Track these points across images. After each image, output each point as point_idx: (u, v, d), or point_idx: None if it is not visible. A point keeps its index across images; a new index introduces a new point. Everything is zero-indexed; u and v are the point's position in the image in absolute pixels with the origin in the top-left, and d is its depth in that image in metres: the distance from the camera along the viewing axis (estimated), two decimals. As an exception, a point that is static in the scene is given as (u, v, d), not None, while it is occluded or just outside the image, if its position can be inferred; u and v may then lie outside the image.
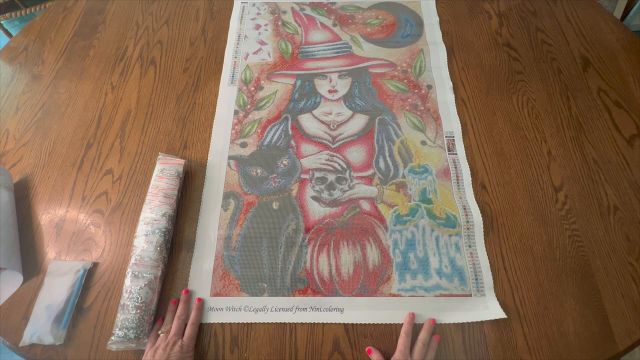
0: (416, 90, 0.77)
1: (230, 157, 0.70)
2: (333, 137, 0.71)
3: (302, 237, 0.62)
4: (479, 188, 0.66)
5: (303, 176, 0.67)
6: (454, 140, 0.71)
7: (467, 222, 0.62)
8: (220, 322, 0.56)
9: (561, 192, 0.65)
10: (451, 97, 0.76)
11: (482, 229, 0.62)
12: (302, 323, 0.56)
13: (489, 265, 0.59)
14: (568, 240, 0.61)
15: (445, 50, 0.82)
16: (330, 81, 0.78)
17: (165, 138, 0.72)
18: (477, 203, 0.64)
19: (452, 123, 0.73)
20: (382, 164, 0.68)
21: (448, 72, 0.79)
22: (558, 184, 0.66)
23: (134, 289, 0.54)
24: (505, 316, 0.56)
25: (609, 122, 0.72)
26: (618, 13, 1.42)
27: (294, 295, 0.58)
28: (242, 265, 0.60)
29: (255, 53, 0.83)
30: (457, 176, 0.67)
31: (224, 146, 0.71)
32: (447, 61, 0.80)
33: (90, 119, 0.74)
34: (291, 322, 0.56)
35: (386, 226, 0.63)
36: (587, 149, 0.70)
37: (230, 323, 0.56)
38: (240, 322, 0.56)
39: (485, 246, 0.61)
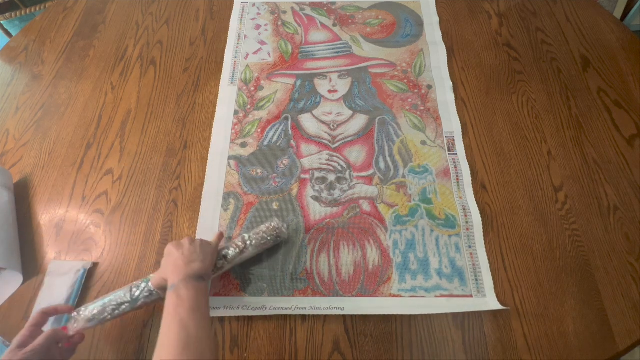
0: (416, 90, 0.77)
1: (230, 157, 0.70)
2: (333, 137, 0.71)
3: (302, 237, 0.62)
4: (479, 188, 0.66)
5: (303, 176, 0.67)
6: (454, 140, 0.71)
7: (467, 222, 0.62)
8: (218, 316, 0.56)
9: (561, 192, 0.65)
10: (451, 97, 0.76)
11: (482, 229, 0.62)
12: (302, 323, 0.56)
13: (488, 265, 0.59)
14: (568, 240, 0.61)
15: (445, 50, 0.82)
16: (330, 81, 0.78)
17: (165, 138, 0.72)
18: (477, 203, 0.64)
19: (452, 123, 0.73)
20: (382, 164, 0.68)
21: (448, 72, 0.79)
22: (558, 184, 0.66)
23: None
24: (508, 308, 0.56)
25: (609, 122, 0.72)
26: (618, 13, 1.41)
27: (293, 296, 0.58)
28: (242, 265, 0.60)
29: (255, 53, 0.83)
30: (457, 176, 0.67)
31: (224, 146, 0.71)
32: (447, 61, 0.80)
33: (90, 119, 0.74)
34: (291, 321, 0.56)
35: (386, 226, 0.63)
36: (587, 149, 0.70)
37: (230, 324, 0.56)
38: (240, 315, 0.56)
39: (485, 246, 0.61)
